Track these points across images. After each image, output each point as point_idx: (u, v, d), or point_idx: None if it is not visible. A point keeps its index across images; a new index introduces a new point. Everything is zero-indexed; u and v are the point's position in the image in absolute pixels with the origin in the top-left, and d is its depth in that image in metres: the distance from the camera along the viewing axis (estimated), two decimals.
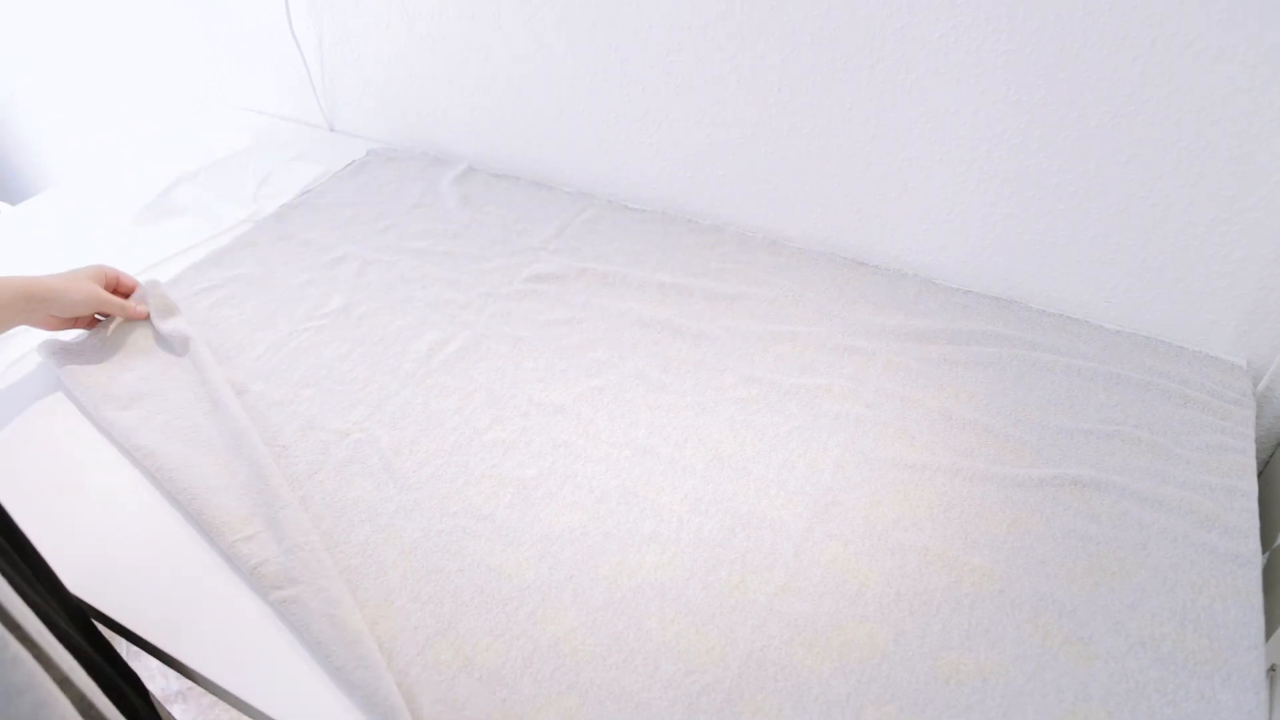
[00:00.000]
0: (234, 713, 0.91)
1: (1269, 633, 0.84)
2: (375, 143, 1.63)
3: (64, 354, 1.08)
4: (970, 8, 1.03)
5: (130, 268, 1.27)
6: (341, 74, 1.58)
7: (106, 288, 1.10)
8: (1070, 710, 0.75)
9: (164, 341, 1.11)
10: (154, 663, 1.11)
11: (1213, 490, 0.93)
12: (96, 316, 1.13)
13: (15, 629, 0.60)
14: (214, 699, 1.08)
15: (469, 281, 1.23)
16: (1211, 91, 0.97)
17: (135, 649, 0.84)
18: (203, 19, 1.67)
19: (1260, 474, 1.10)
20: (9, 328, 1.01)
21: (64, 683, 0.63)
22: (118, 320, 1.14)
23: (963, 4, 1.03)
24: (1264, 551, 0.88)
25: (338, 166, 1.53)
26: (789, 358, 1.10)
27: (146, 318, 1.14)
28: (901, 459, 0.97)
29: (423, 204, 1.42)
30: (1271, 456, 1.13)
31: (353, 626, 0.79)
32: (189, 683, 0.87)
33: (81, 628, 0.75)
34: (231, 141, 1.63)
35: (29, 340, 1.11)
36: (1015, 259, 1.19)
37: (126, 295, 1.14)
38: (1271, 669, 0.84)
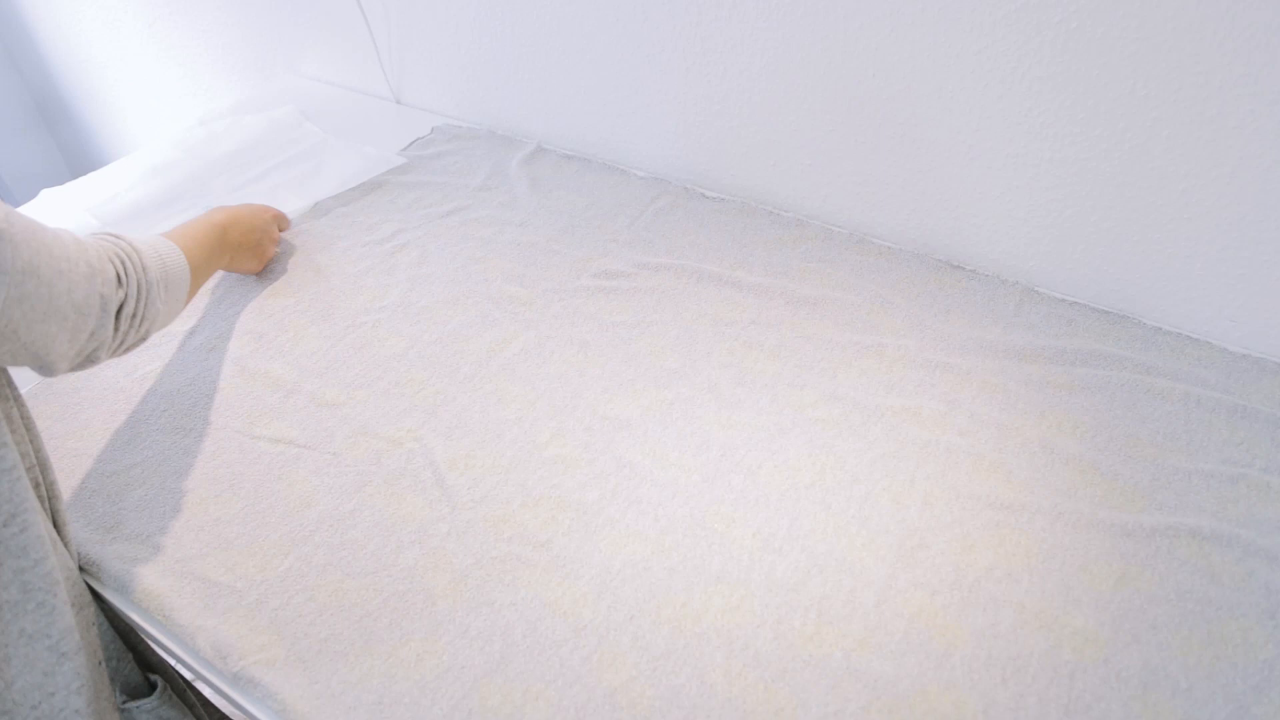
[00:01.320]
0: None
1: None
2: (442, 116, 1.57)
3: None
4: None
5: None
6: (409, 43, 1.51)
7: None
8: None
9: None
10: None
11: None
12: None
13: None
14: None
15: (534, 276, 1.17)
16: None
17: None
18: None
19: None
20: (212, 270, 1.04)
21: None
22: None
23: None
24: None
25: (403, 143, 1.47)
26: (875, 374, 1.02)
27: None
28: (996, 497, 0.88)
29: (488, 186, 1.35)
30: None
31: None
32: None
33: None
34: (294, 112, 1.58)
35: None
36: (1129, 268, 1.08)
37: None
38: None
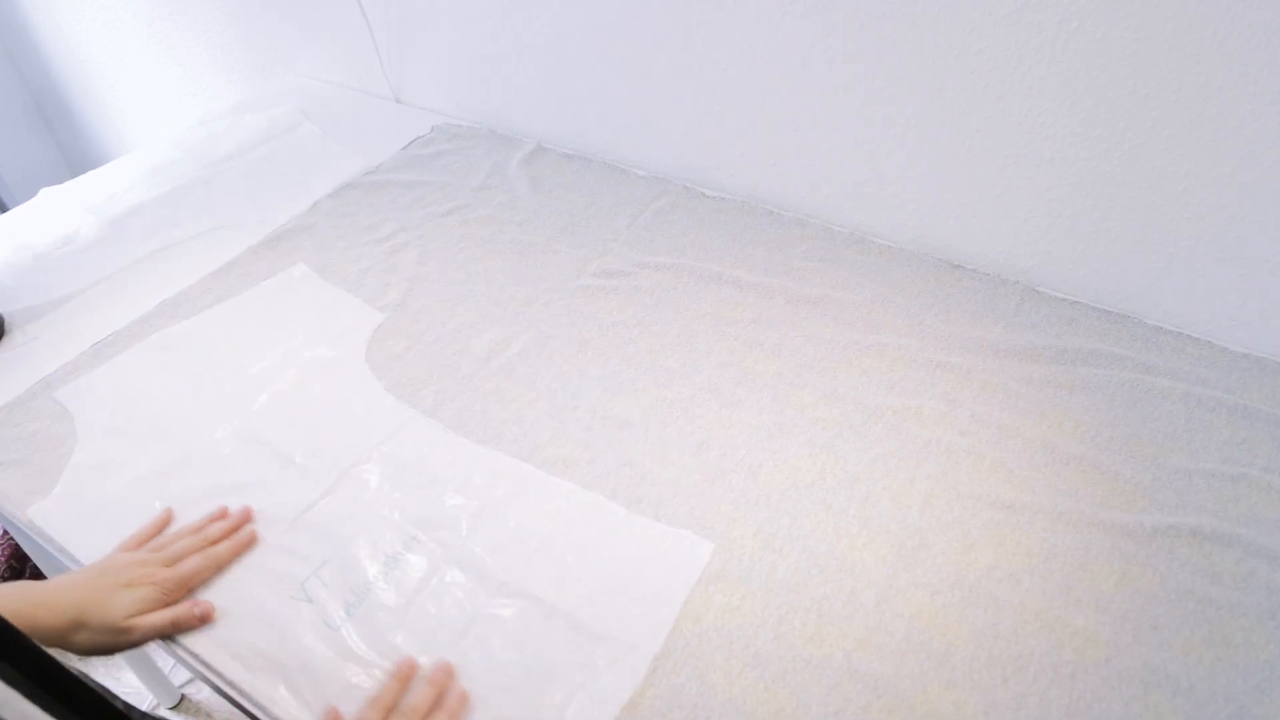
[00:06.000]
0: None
1: None
2: (442, 116, 1.56)
3: None
4: None
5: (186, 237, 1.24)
6: (409, 43, 1.51)
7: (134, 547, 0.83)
8: None
9: None
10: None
11: None
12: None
13: None
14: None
15: (534, 275, 1.17)
16: None
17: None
18: None
19: None
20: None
21: None
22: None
23: None
24: None
25: (402, 142, 1.47)
26: (875, 373, 1.02)
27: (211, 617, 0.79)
28: (997, 497, 0.88)
29: (489, 185, 1.35)
30: None
31: None
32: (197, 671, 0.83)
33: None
34: (294, 112, 1.58)
35: None
36: (1129, 268, 1.08)
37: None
38: None
